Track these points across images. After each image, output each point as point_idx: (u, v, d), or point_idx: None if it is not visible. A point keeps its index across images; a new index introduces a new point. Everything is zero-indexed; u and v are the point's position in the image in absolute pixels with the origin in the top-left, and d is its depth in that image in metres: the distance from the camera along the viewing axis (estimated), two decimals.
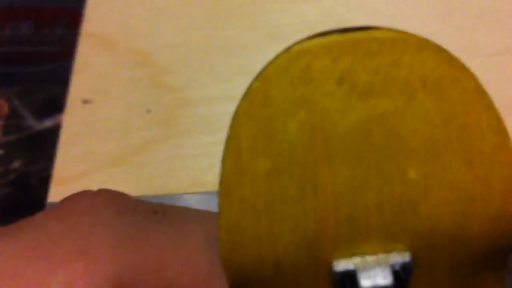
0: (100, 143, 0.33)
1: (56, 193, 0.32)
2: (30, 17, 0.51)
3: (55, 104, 0.45)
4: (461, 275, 0.13)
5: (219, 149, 0.12)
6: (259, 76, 0.12)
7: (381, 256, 0.12)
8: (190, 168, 0.31)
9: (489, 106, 0.12)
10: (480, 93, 0.12)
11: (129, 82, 0.35)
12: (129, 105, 0.34)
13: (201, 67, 0.35)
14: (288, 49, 0.12)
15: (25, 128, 0.44)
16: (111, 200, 0.15)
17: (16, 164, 0.43)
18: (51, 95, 0.46)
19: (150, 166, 0.32)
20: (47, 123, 0.44)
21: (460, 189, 0.12)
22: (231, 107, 0.12)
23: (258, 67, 0.12)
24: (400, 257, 0.12)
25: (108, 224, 0.15)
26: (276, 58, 0.12)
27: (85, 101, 0.35)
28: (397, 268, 0.12)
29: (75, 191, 0.32)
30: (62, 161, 0.34)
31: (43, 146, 0.43)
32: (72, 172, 0.32)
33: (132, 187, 0.31)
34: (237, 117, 0.12)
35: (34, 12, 0.52)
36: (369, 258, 0.12)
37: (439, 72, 0.11)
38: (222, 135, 0.12)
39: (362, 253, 0.12)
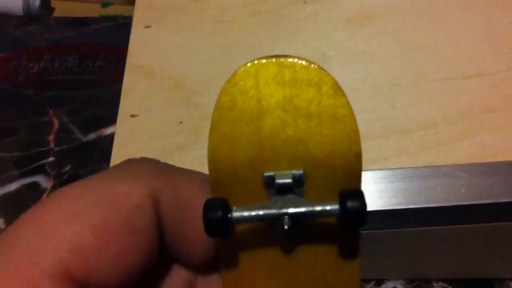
0: (145, 147, 0.38)
1: None
2: (74, 52, 0.57)
3: (98, 120, 0.53)
4: (330, 188, 0.18)
5: None
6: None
7: (288, 171, 0.18)
8: None
9: (340, 94, 0.18)
10: (335, 86, 0.18)
11: (165, 101, 0.41)
12: (167, 118, 0.40)
13: (219, 89, 0.38)
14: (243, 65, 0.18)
15: (74, 140, 0.51)
16: (148, 158, 0.21)
17: (67, 168, 0.51)
18: (93, 113, 0.53)
19: (184, 164, 0.34)
20: (92, 135, 0.52)
21: (328, 136, 0.18)
22: None
23: None
24: (297, 171, 0.18)
25: (148, 162, 0.20)
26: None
27: (132, 116, 0.40)
28: (296, 177, 0.18)
29: None
30: (115, 160, 0.38)
31: (90, 154, 0.51)
32: None
33: None
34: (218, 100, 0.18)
35: (78, 47, 0.58)
36: (281, 171, 0.18)
37: (313, 75, 0.18)
38: None
39: (278, 169, 0.18)
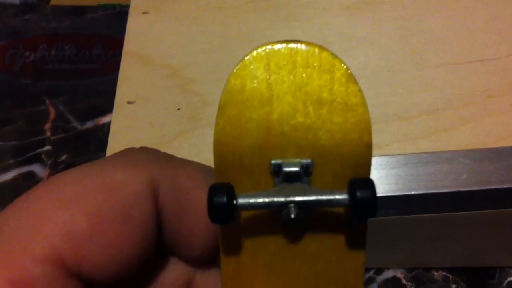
0: (142, 134, 0.38)
1: None
2: (71, 41, 0.57)
3: (95, 109, 0.52)
4: (339, 177, 0.18)
5: None
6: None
7: (296, 159, 0.18)
8: (211, 151, 0.39)
9: (353, 82, 0.17)
10: (347, 74, 0.17)
11: (163, 88, 0.40)
12: (164, 106, 0.39)
13: (218, 78, 0.40)
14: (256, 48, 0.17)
15: (70, 129, 0.51)
16: (147, 147, 0.20)
17: (63, 157, 0.50)
18: (90, 102, 0.52)
19: (182, 150, 0.37)
20: (89, 124, 0.52)
21: (338, 124, 0.17)
22: None
23: None
24: (305, 160, 0.17)
25: (148, 151, 0.20)
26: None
27: (129, 102, 0.40)
28: (304, 165, 0.17)
29: None
30: (112, 147, 0.38)
31: (86, 143, 0.51)
32: None
33: None
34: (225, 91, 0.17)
35: (75, 36, 0.57)
36: (289, 159, 0.18)
37: (326, 62, 0.17)
38: None
39: (286, 156, 0.18)
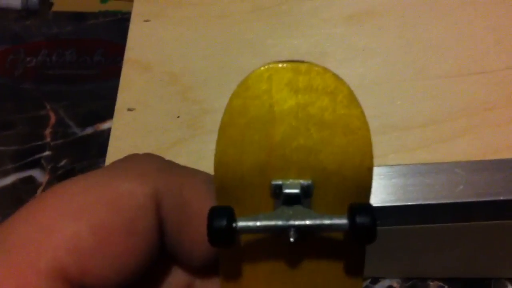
0: (142, 140, 0.38)
1: None
2: (73, 47, 0.57)
3: (95, 115, 0.52)
4: (338, 200, 0.18)
5: None
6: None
7: (296, 180, 0.17)
8: (210, 158, 0.38)
9: (355, 104, 0.17)
10: (350, 96, 0.17)
11: (163, 95, 0.40)
12: (164, 113, 0.39)
13: (217, 85, 0.40)
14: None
15: (70, 134, 0.51)
16: (151, 154, 0.20)
17: (63, 162, 0.51)
18: (91, 108, 0.53)
19: (181, 158, 0.37)
20: (88, 130, 0.52)
21: (340, 147, 0.17)
22: None
23: None
24: (306, 181, 0.17)
25: (152, 160, 0.20)
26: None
27: (129, 109, 0.40)
28: (304, 187, 0.17)
29: None
30: (112, 153, 0.38)
31: (86, 148, 0.51)
32: None
33: None
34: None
35: (76, 42, 0.58)
36: (290, 180, 0.17)
37: (329, 83, 0.17)
38: None
39: (286, 178, 0.17)
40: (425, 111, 0.38)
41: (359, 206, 0.17)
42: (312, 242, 0.18)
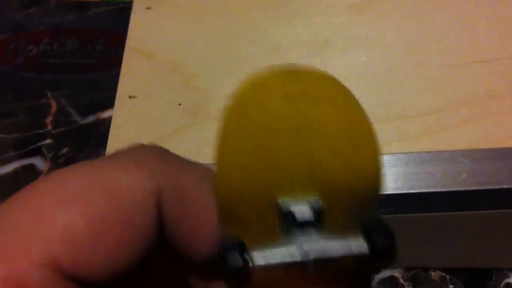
0: (143, 128, 0.38)
1: None
2: (74, 36, 0.57)
3: (96, 104, 0.52)
4: (350, 217, 0.16)
5: None
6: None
7: (303, 198, 0.16)
8: (212, 146, 0.38)
9: (357, 108, 0.16)
10: (352, 102, 0.16)
11: (164, 84, 0.40)
12: (165, 100, 0.39)
13: (219, 73, 0.40)
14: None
15: (71, 123, 0.51)
16: (153, 146, 0.19)
17: (64, 150, 0.50)
18: (92, 97, 0.52)
19: (183, 145, 0.37)
20: (90, 118, 0.52)
21: (344, 153, 0.16)
22: None
23: None
24: (314, 198, 0.16)
25: (153, 152, 0.19)
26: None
27: (131, 96, 0.40)
28: (315, 208, 0.16)
29: None
30: (112, 141, 0.38)
31: (87, 137, 0.50)
32: None
33: None
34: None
35: (78, 31, 0.57)
36: (295, 197, 0.16)
37: (331, 90, 0.16)
38: None
39: (292, 194, 0.16)
40: (428, 99, 0.38)
41: (374, 225, 0.16)
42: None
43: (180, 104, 0.40)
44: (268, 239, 0.16)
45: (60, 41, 0.57)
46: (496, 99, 0.37)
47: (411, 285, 0.43)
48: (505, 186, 0.33)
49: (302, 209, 0.16)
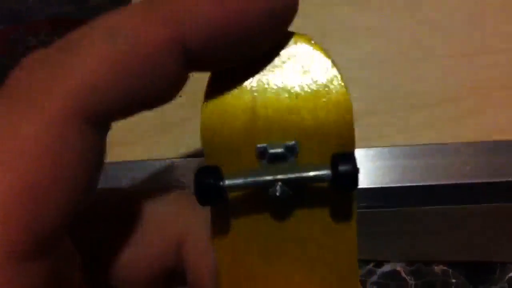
0: (145, 120, 0.38)
1: (110, 156, 0.37)
2: (74, 26, 0.57)
3: None
4: (323, 156, 0.18)
5: None
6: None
7: (281, 142, 0.18)
8: None
9: (331, 68, 0.18)
10: (325, 61, 0.18)
11: None
12: None
13: None
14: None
15: None
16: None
17: None
18: None
19: (184, 137, 0.37)
20: None
21: (320, 104, 0.18)
22: None
23: None
24: (290, 142, 0.18)
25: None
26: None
27: None
28: (289, 147, 0.18)
29: (126, 154, 0.37)
30: (114, 129, 0.39)
31: None
32: (125, 140, 0.37)
33: (172, 152, 0.36)
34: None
35: (78, 22, 0.58)
36: (274, 142, 0.18)
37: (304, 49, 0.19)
38: None
39: (271, 139, 0.18)
40: (432, 91, 0.37)
41: (341, 155, 0.17)
42: (298, 196, 0.18)
43: (181, 96, 0.39)
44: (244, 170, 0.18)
45: (60, 32, 0.56)
46: (502, 91, 0.37)
47: (413, 278, 0.43)
48: (510, 179, 0.32)
49: (276, 147, 0.18)
